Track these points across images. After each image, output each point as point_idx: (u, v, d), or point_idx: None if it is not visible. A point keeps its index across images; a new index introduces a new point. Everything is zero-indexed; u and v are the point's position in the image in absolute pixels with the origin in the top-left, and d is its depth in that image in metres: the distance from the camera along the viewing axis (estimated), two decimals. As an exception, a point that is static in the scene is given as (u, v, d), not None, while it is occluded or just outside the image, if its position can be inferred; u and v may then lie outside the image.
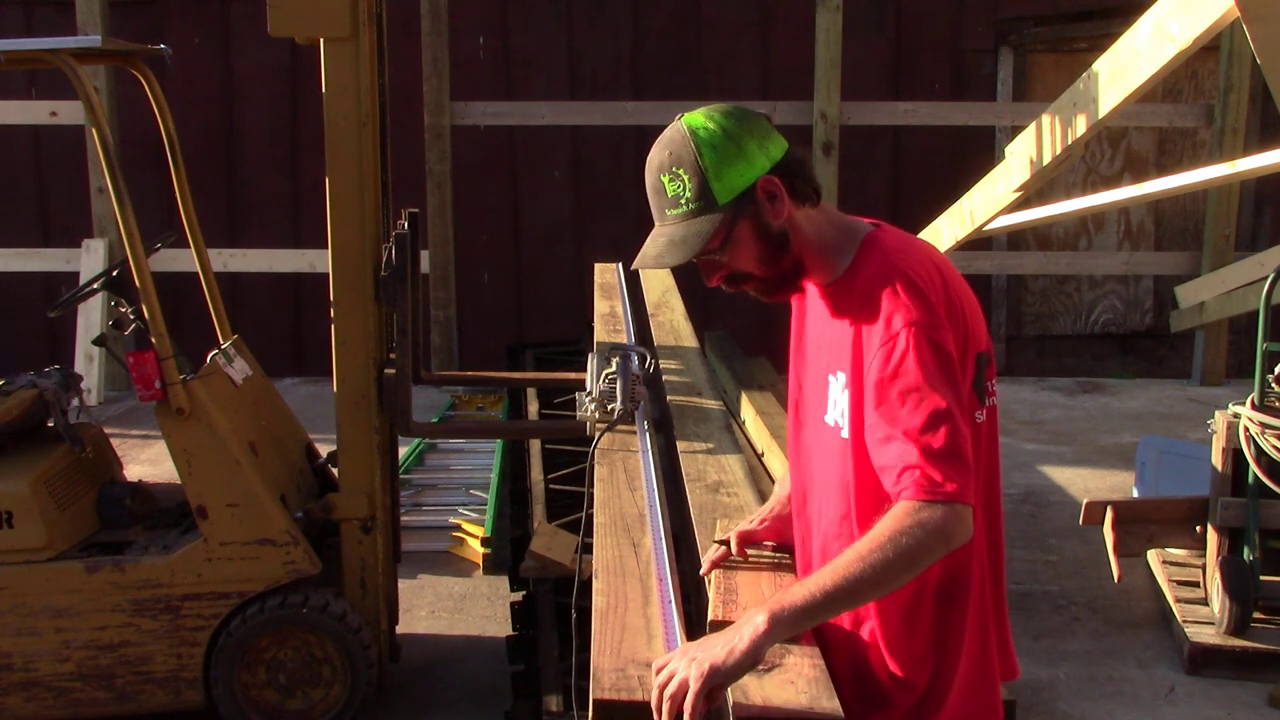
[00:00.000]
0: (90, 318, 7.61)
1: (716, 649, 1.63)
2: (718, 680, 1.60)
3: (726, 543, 2.10)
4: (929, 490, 1.68)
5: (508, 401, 6.88)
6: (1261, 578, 4.18)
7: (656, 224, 1.90)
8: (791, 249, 1.89)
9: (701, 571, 2.11)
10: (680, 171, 1.83)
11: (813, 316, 2.02)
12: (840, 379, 1.88)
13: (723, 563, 2.09)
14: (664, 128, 1.90)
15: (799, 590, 1.69)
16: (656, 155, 1.87)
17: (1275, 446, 3.99)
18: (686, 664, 1.62)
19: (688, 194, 1.83)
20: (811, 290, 1.98)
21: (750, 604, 1.89)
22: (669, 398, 3.37)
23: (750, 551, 2.11)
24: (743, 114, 1.88)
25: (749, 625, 1.65)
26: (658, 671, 1.66)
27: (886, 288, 1.79)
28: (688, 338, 4.13)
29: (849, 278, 1.89)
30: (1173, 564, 4.71)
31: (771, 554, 2.12)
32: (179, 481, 3.56)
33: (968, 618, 1.90)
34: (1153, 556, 4.80)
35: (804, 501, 2.03)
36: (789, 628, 1.67)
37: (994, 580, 1.96)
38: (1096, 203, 6.33)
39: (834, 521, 1.91)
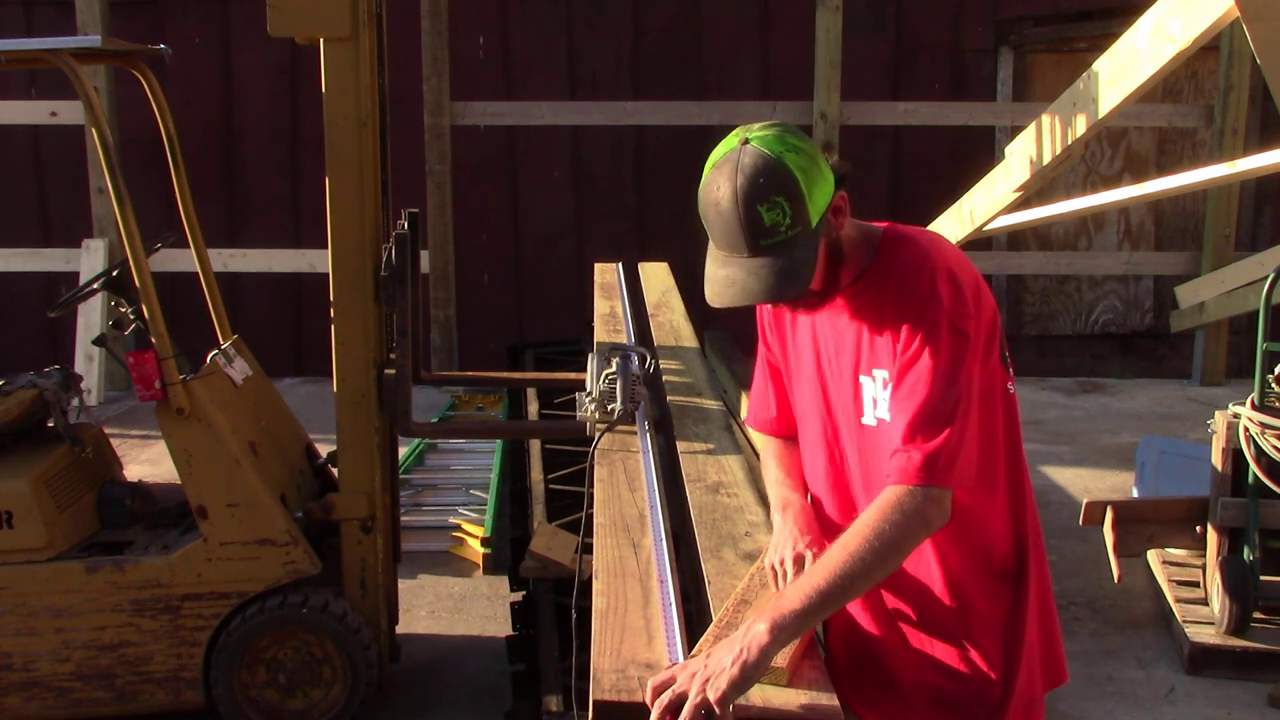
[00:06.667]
0: (90, 318, 7.61)
1: (726, 665, 1.62)
2: (734, 699, 1.61)
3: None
4: (909, 475, 1.77)
5: (508, 401, 6.87)
6: (1261, 578, 4.18)
7: (743, 255, 1.80)
8: (844, 258, 1.90)
9: None
10: (780, 199, 1.76)
11: (809, 323, 2.02)
12: (878, 378, 1.89)
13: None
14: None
15: (794, 595, 1.71)
16: (746, 185, 1.76)
17: (1275, 446, 3.99)
18: (700, 685, 1.60)
19: (787, 220, 1.77)
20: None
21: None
22: (669, 398, 3.37)
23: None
24: (798, 131, 1.85)
25: (753, 637, 1.65)
26: (658, 688, 1.63)
27: (924, 274, 1.83)
28: (688, 338, 4.13)
29: (877, 275, 1.90)
30: (1173, 564, 4.71)
31: None
32: (179, 481, 3.56)
33: (1034, 586, 1.98)
34: (1153, 556, 4.79)
35: (852, 507, 2.01)
36: (791, 634, 1.69)
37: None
38: (1096, 203, 6.33)
39: None
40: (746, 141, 1.80)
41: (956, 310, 1.81)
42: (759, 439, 2.34)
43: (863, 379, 1.92)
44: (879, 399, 1.89)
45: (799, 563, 1.93)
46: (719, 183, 1.80)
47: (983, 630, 1.96)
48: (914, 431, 1.78)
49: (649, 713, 1.63)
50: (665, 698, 1.61)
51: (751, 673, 1.63)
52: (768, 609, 1.70)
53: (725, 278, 1.82)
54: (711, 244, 1.86)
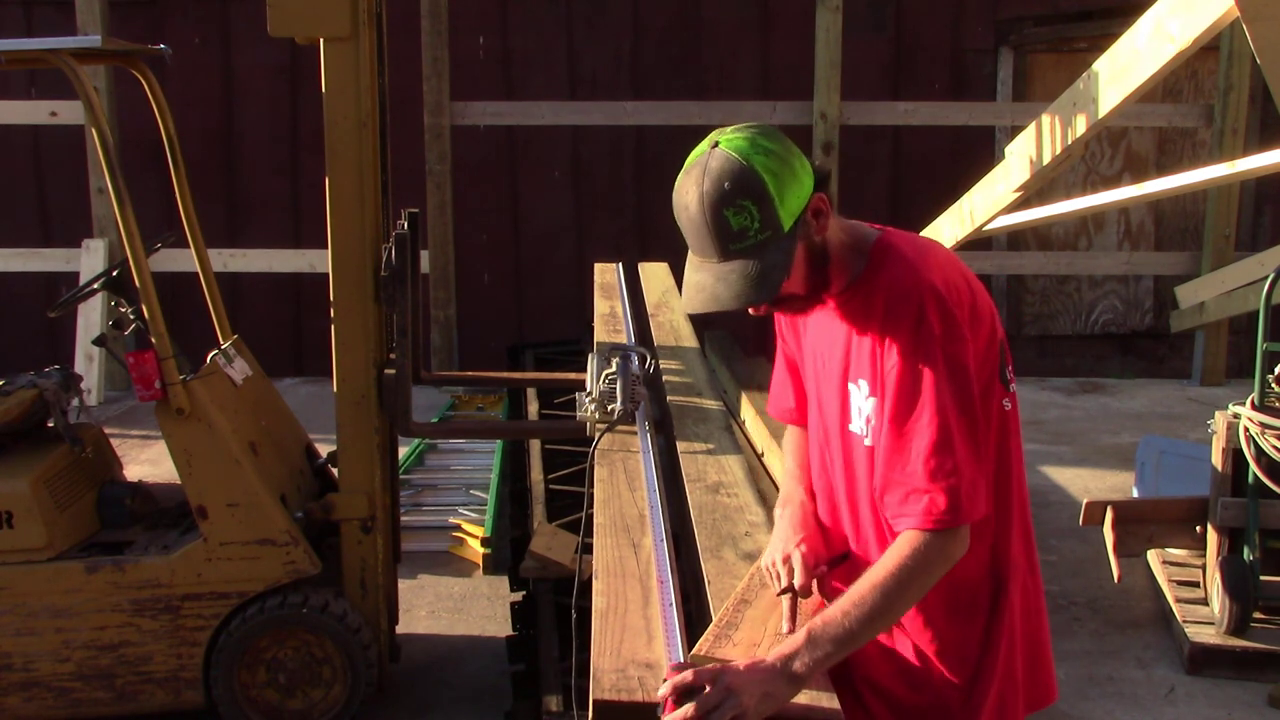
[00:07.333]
0: (90, 318, 7.61)
1: (761, 693, 1.63)
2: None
3: (791, 589, 1.92)
4: (932, 518, 1.73)
5: (508, 401, 6.87)
6: (1261, 578, 4.18)
7: (713, 260, 1.79)
8: (830, 262, 1.87)
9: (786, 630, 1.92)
10: (747, 203, 1.74)
11: (815, 324, 2.00)
12: (864, 387, 1.86)
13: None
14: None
15: (826, 635, 1.70)
16: (712, 189, 1.75)
17: (1275, 446, 3.99)
18: (734, 706, 1.60)
19: (755, 224, 1.74)
20: None
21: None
22: (669, 398, 3.37)
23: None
24: (774, 132, 1.82)
25: (789, 678, 1.66)
26: (683, 686, 1.62)
27: (911, 299, 1.78)
28: (688, 338, 4.13)
29: (865, 285, 1.86)
30: (1173, 564, 4.71)
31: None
32: (179, 481, 3.56)
33: (1012, 611, 1.93)
34: (1153, 556, 4.79)
35: (836, 510, 2.02)
36: (818, 672, 1.71)
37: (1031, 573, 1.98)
38: (1096, 203, 6.33)
39: (873, 527, 1.92)
40: (716, 145, 1.78)
41: (949, 336, 1.76)
42: (783, 429, 2.31)
43: (850, 386, 1.90)
44: (862, 408, 1.87)
45: (787, 563, 1.94)
46: (688, 188, 1.79)
47: (947, 654, 1.92)
48: (931, 473, 1.74)
49: (650, 712, 1.63)
50: (706, 697, 1.60)
51: (779, 705, 1.66)
52: (802, 649, 1.68)
53: (697, 283, 1.81)
54: (689, 249, 1.85)
